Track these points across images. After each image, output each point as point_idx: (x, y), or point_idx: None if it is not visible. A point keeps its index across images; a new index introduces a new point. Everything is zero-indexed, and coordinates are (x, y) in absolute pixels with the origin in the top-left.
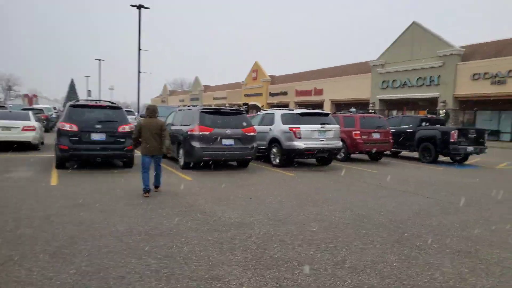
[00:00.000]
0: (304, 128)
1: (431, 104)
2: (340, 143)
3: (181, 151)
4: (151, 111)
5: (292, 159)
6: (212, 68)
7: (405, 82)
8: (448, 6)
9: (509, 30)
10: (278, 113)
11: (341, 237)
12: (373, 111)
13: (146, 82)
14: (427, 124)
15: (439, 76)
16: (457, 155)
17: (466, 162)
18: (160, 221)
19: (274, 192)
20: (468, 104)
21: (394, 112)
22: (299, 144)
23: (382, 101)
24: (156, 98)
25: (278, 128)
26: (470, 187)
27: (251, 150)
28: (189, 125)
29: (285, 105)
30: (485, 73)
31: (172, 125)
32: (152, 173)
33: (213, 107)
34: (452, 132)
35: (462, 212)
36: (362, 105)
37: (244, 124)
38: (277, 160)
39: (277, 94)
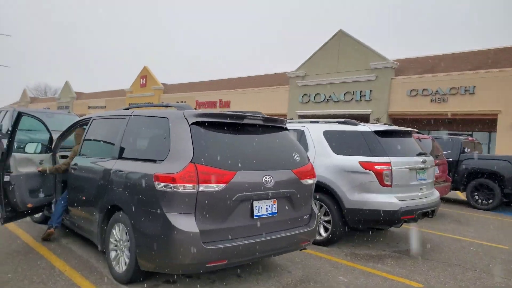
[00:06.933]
0: (399, 166)
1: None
2: (437, 192)
3: (116, 233)
4: None
5: (356, 226)
6: (87, 74)
7: (330, 96)
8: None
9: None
10: (315, 128)
11: None
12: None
13: None
14: (468, 150)
15: (371, 91)
16: None
17: None
18: None
19: None
20: (404, 122)
21: None
22: (390, 200)
23: (302, 116)
24: (13, 106)
25: (325, 161)
26: None
27: (310, 224)
28: (151, 160)
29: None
30: (424, 90)
31: (84, 156)
32: None
33: (215, 111)
34: None
35: None
36: None
37: (296, 157)
38: (321, 232)
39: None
